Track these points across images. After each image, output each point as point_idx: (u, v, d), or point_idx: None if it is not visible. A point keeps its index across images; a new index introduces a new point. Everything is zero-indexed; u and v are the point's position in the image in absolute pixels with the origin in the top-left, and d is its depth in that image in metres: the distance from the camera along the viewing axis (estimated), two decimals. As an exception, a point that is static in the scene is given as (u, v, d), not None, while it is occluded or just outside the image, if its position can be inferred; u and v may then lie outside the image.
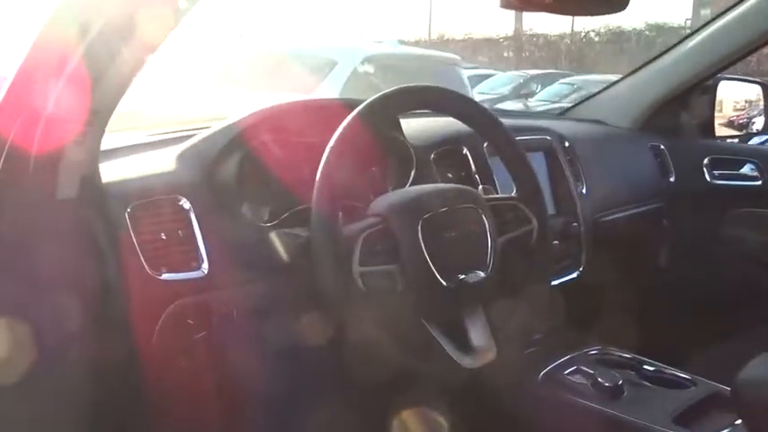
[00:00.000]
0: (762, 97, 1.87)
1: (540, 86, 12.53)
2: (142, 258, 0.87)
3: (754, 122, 1.92)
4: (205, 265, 0.92)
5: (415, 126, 1.21)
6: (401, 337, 0.83)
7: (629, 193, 1.65)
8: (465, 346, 0.88)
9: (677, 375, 1.15)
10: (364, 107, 0.87)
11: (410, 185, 1.15)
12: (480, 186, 1.03)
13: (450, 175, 1.23)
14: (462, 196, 0.91)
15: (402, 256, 0.83)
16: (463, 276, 0.85)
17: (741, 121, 1.92)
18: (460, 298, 0.87)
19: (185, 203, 0.93)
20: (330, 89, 4.96)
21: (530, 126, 1.45)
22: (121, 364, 0.88)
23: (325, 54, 5.32)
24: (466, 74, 6.29)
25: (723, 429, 0.98)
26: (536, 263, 0.99)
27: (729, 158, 1.73)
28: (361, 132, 0.85)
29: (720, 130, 1.85)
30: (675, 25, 16.07)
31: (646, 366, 1.18)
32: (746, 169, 1.70)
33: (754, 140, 2.33)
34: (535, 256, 0.98)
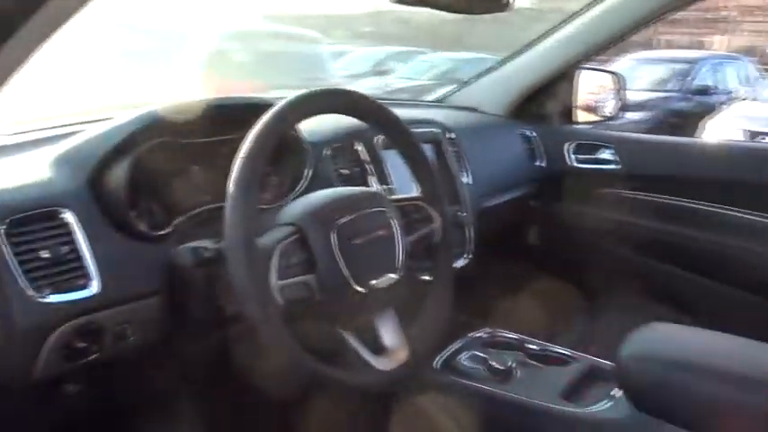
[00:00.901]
0: (613, 84, 2.04)
1: (398, 64, 12.73)
2: (21, 281, 0.78)
3: (604, 107, 2.09)
4: (95, 283, 0.84)
5: (306, 123, 1.19)
6: (317, 348, 0.82)
7: (505, 179, 1.74)
8: (378, 348, 0.89)
9: (561, 353, 1.23)
10: (277, 113, 0.83)
11: (306, 183, 1.13)
12: (382, 187, 1.03)
13: (345, 172, 1.22)
14: (371, 200, 0.91)
15: (318, 265, 0.81)
16: (376, 281, 0.85)
17: (594, 106, 2.08)
18: (374, 302, 0.87)
19: (68, 216, 0.84)
20: (187, 66, 4.74)
21: (418, 119, 1.48)
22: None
23: (181, 29, 5.10)
24: (324, 50, 6.27)
25: (606, 400, 1.06)
26: (441, 260, 1.01)
27: (589, 144, 1.86)
28: (272, 137, 0.82)
29: (579, 116, 1.99)
30: (525, 7, 16.93)
31: (531, 346, 1.26)
32: (605, 154, 1.84)
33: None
34: (439, 254, 1.01)
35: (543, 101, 1.91)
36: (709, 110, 7.62)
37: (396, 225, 0.90)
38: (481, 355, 1.20)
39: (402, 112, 1.42)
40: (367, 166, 1.25)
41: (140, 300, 0.90)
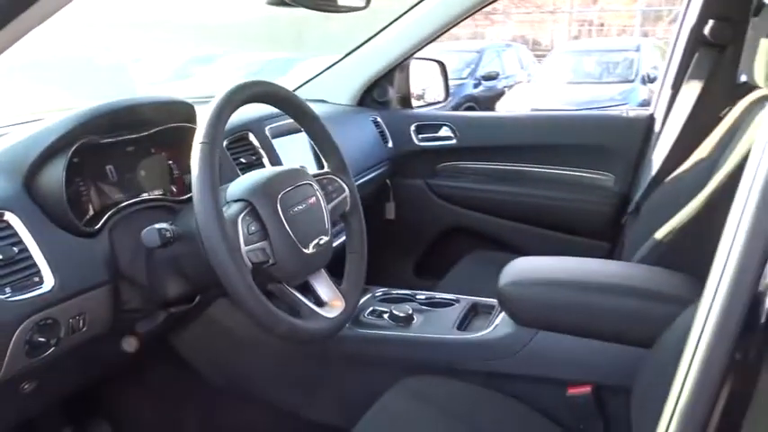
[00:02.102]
0: (440, 71, 2.34)
1: (201, 67, 12.39)
2: None
3: (435, 91, 2.37)
4: (49, 280, 0.88)
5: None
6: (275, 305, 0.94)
7: (363, 160, 1.93)
8: (318, 302, 1.03)
9: (447, 298, 1.45)
10: (224, 98, 0.93)
11: None
12: (298, 165, 1.15)
13: (242, 160, 1.33)
14: (299, 175, 1.04)
15: (270, 233, 0.93)
16: (314, 242, 0.99)
17: (426, 91, 2.36)
18: (314, 261, 1.01)
19: (12, 218, 0.87)
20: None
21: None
22: None
23: None
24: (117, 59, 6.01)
25: (491, 326, 1.30)
26: (354, 223, 1.17)
27: (430, 124, 2.12)
28: (223, 121, 0.92)
29: (415, 101, 2.26)
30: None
31: (421, 296, 1.46)
32: (444, 131, 2.12)
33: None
34: (352, 218, 1.16)
35: (384, 89, 2.14)
36: (497, 93, 8.56)
37: (320, 195, 1.04)
38: (381, 308, 1.37)
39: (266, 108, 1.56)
40: (262, 153, 1.36)
41: (91, 291, 0.94)
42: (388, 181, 2.11)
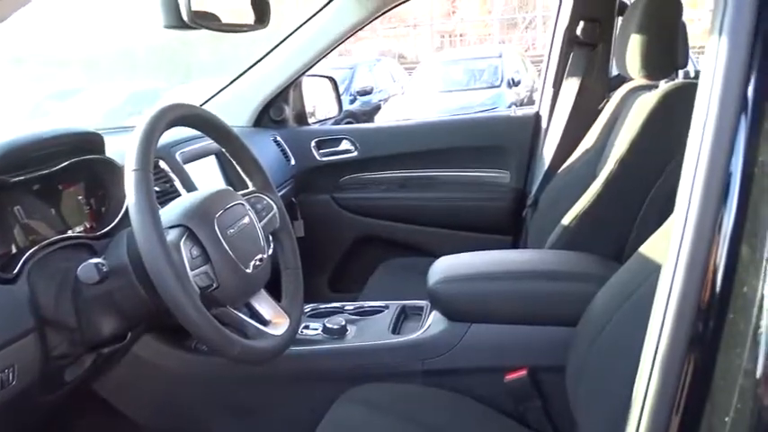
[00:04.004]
0: (331, 87, 2.37)
1: (56, 104, 11.62)
2: None
3: (327, 106, 2.40)
4: None
5: (110, 145, 1.22)
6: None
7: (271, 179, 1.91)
8: (262, 321, 1.01)
9: (375, 305, 1.47)
10: (150, 123, 0.89)
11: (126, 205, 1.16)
12: (226, 186, 1.13)
13: (156, 189, 1.28)
14: (230, 196, 1.01)
15: (211, 256, 0.90)
16: (253, 262, 0.98)
17: (320, 107, 2.38)
18: (255, 281, 0.99)
19: None
20: None
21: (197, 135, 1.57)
22: None
23: None
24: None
25: (425, 325, 1.33)
26: (286, 240, 1.16)
27: (329, 138, 2.14)
28: (152, 145, 0.88)
29: (311, 117, 2.27)
30: (176, 36, 16.89)
31: (350, 307, 1.47)
32: (344, 145, 2.14)
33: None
34: (283, 234, 1.15)
35: (280, 108, 2.13)
36: (374, 107, 8.74)
37: (252, 214, 1.03)
38: (313, 323, 1.37)
39: (176, 132, 1.52)
40: (175, 180, 1.32)
41: (18, 341, 0.87)
42: (293, 199, 2.10)
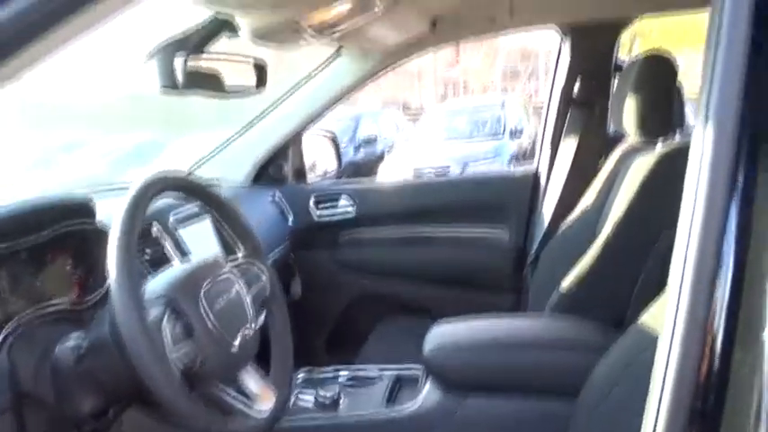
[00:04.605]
0: (332, 144, 2.37)
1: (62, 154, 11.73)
2: None
3: (328, 163, 2.40)
4: None
5: (102, 208, 1.20)
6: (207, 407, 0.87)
7: (265, 240, 1.89)
8: (249, 397, 0.97)
9: (370, 374, 1.43)
10: (138, 192, 0.88)
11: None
12: (215, 253, 1.10)
13: (147, 255, 1.26)
14: (218, 266, 0.99)
15: (196, 331, 0.87)
16: (241, 336, 0.94)
17: (320, 163, 2.37)
18: (242, 355, 0.96)
19: None
20: None
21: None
22: None
23: None
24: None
25: (420, 396, 1.29)
26: (276, 309, 1.13)
27: (328, 196, 2.13)
28: (138, 217, 0.86)
29: (311, 174, 2.26)
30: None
31: (344, 373, 1.43)
32: (342, 202, 2.13)
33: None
34: (273, 304, 1.12)
35: (279, 164, 2.13)
36: (378, 157, 8.80)
37: (240, 284, 1.00)
38: (306, 393, 1.33)
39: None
40: (168, 245, 1.30)
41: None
42: (291, 258, 2.08)
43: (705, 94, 0.53)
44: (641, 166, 1.34)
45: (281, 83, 2.02)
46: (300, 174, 2.21)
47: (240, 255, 1.11)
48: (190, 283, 0.91)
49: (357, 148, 8.93)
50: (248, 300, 1.00)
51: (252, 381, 0.99)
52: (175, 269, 0.96)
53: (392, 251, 2.12)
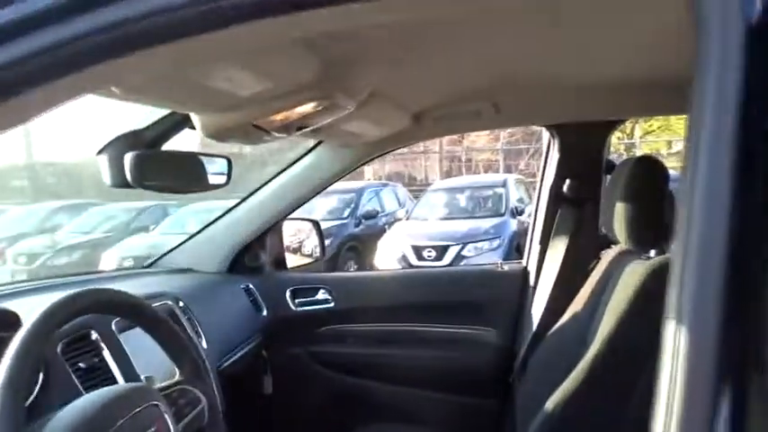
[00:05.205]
0: (313, 230, 2.28)
1: (67, 218, 11.77)
2: None
3: (310, 250, 2.30)
4: None
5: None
6: None
7: (235, 334, 1.77)
8: None
9: None
10: (34, 328, 0.77)
11: (38, 389, 1.02)
12: (143, 377, 0.99)
13: (82, 365, 1.14)
14: (140, 395, 0.87)
15: None
16: None
17: (301, 251, 2.27)
18: None
19: None
20: None
21: (149, 293, 1.45)
22: None
23: None
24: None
25: None
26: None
27: (306, 287, 2.02)
28: (32, 358, 0.75)
29: (290, 262, 2.16)
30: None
31: None
32: (321, 294, 2.02)
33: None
34: (211, 433, 1.00)
35: (255, 253, 2.03)
36: (378, 231, 8.73)
37: (168, 416, 0.88)
38: None
39: (125, 286, 1.40)
40: (106, 354, 1.18)
41: None
42: (264, 352, 1.95)
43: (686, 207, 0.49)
44: (631, 278, 1.24)
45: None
46: (279, 262, 2.11)
47: (176, 378, 0.99)
48: (96, 423, 0.79)
49: (358, 222, 8.88)
50: None
51: None
52: (82, 403, 0.84)
53: (372, 348, 1.99)
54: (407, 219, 8.84)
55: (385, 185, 11.21)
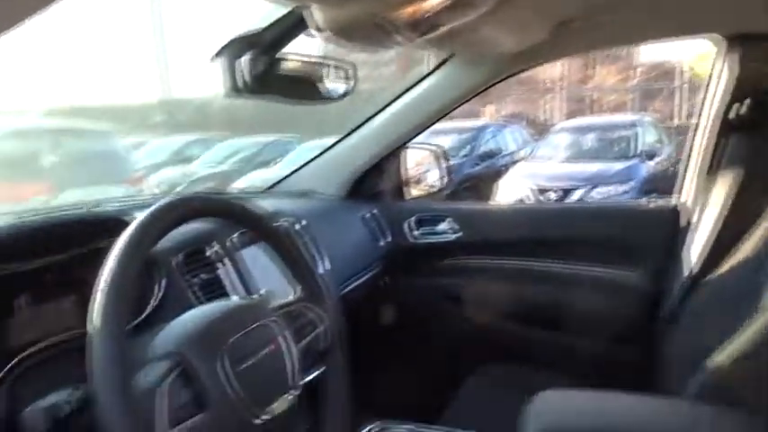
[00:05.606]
0: (438, 157, 2.13)
1: (200, 150, 12.39)
2: None
3: (434, 180, 2.16)
4: None
5: None
6: None
7: (356, 261, 1.69)
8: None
9: None
10: (138, 228, 0.69)
11: (158, 300, 0.97)
12: (262, 291, 0.90)
13: (199, 280, 1.09)
14: (254, 312, 0.79)
15: (210, 401, 0.67)
16: (274, 405, 0.73)
17: (424, 180, 2.14)
18: (275, 430, 0.75)
19: None
20: None
21: (270, 213, 1.38)
22: None
23: None
24: (118, 143, 5.96)
25: None
26: (332, 367, 0.91)
27: (429, 217, 1.90)
28: (137, 258, 0.68)
29: (412, 191, 2.04)
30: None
31: None
32: (444, 225, 1.89)
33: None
34: (331, 359, 0.91)
35: (377, 179, 1.93)
36: (497, 172, 8.45)
37: (285, 336, 0.79)
38: None
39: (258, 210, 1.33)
40: (223, 271, 1.13)
41: None
42: (382, 283, 1.87)
43: None
44: None
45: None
46: (400, 190, 2.00)
47: (295, 297, 0.90)
48: (209, 337, 0.71)
49: (476, 162, 8.63)
50: (293, 356, 0.79)
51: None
52: (193, 316, 0.76)
53: (500, 285, 1.84)
54: (530, 159, 8.47)
55: (506, 125, 10.80)
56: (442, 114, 1.78)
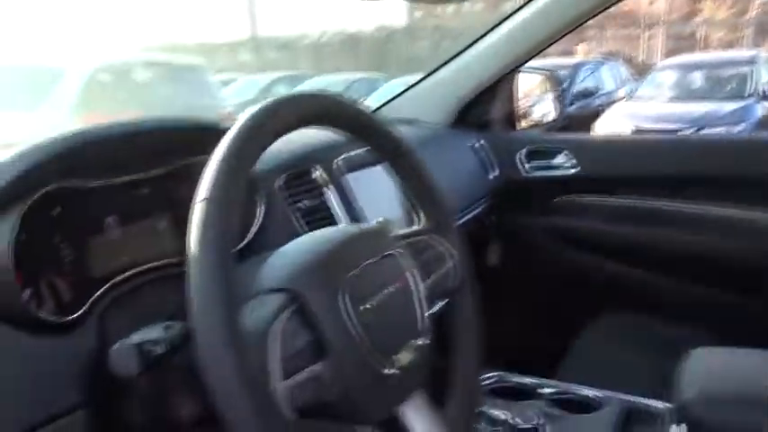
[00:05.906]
0: (552, 85, 1.92)
1: (285, 88, 12.44)
2: None
3: (547, 109, 1.95)
4: None
5: None
6: None
7: (462, 194, 1.54)
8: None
9: (584, 395, 1.04)
10: (247, 125, 0.56)
11: (259, 224, 0.86)
12: (379, 219, 0.78)
13: (303, 205, 0.97)
14: (380, 241, 0.66)
15: (329, 347, 0.55)
16: (401, 354, 0.61)
17: (536, 109, 1.94)
18: (402, 383, 0.62)
19: None
20: (59, 102, 4.39)
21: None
22: None
23: (50, 64, 4.74)
24: (209, 79, 6.00)
25: None
26: (461, 309, 0.78)
27: (544, 149, 1.71)
28: (246, 166, 0.55)
29: (524, 121, 1.85)
30: (399, 27, 17.50)
31: (548, 390, 1.06)
32: (560, 158, 1.69)
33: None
34: (460, 299, 0.77)
35: (486, 107, 1.74)
36: (593, 111, 7.98)
37: (411, 272, 0.66)
38: (500, 415, 0.97)
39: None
40: (330, 196, 1.00)
41: (57, 420, 0.60)
42: (491, 219, 1.71)
43: None
44: None
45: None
46: (510, 120, 1.80)
47: (420, 227, 0.76)
48: (328, 268, 0.58)
49: (572, 101, 8.18)
50: (421, 295, 0.66)
51: (417, 421, 0.65)
52: (308, 242, 0.63)
53: (623, 225, 1.64)
54: (630, 99, 7.93)
55: (604, 62, 10.16)
56: (556, 37, 1.56)
